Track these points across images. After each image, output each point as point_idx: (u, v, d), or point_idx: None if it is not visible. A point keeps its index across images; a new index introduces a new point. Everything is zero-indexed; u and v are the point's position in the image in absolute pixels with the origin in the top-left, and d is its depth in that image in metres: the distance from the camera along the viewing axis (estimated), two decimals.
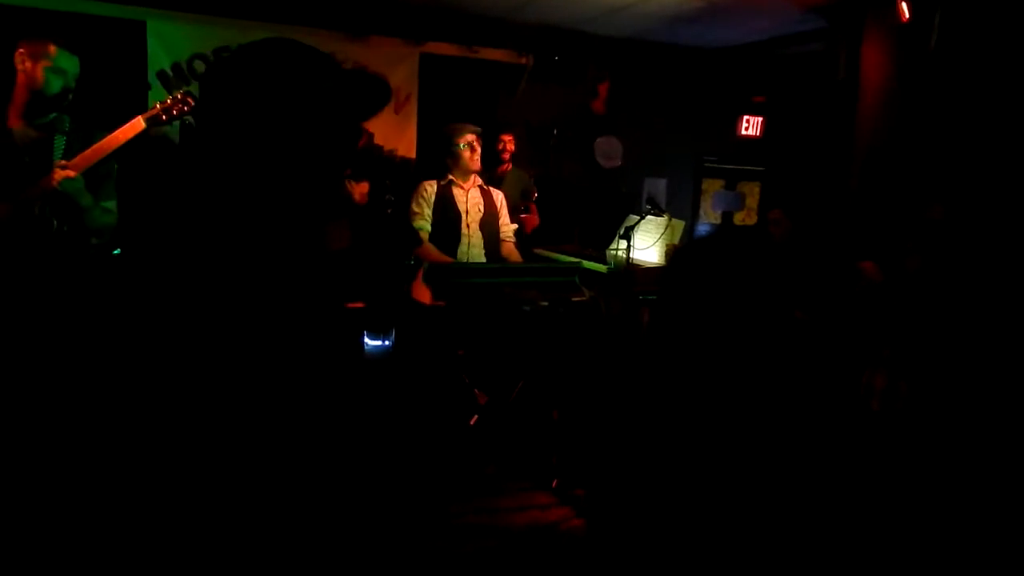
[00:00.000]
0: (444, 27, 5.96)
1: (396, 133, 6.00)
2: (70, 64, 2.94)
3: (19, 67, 2.89)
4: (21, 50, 2.89)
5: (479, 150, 3.95)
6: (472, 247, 3.83)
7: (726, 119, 7.31)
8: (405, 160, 6.02)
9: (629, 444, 2.01)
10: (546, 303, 3.38)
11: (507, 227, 4.11)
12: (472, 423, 3.43)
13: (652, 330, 3.36)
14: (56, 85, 2.90)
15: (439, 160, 4.14)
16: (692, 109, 7.06)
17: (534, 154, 5.96)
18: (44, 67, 2.87)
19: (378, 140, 5.91)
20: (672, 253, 3.85)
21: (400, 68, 5.98)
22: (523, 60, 6.24)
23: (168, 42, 5.42)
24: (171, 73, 5.48)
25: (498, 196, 4.15)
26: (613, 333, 3.38)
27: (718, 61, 6.98)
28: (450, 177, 4.02)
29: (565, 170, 6.35)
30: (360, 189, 4.77)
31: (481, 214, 3.93)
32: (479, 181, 4.12)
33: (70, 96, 2.97)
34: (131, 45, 5.24)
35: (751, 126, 7.36)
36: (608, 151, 6.64)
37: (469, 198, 3.96)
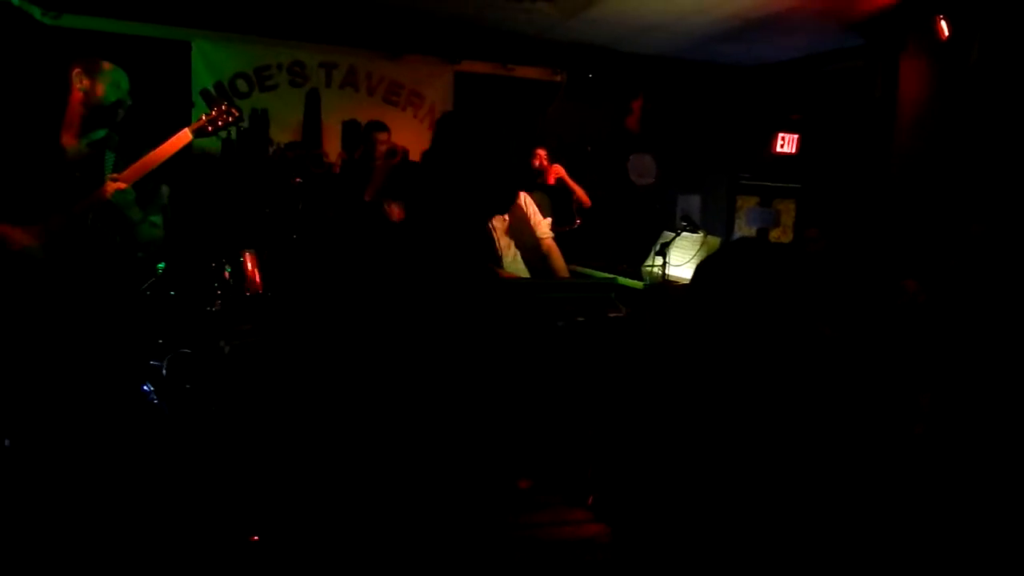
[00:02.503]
0: (479, 46, 6.05)
1: None
2: (123, 80, 3.03)
3: (76, 84, 2.97)
4: (77, 69, 2.98)
5: None
6: (512, 262, 3.80)
7: (761, 136, 7.27)
8: None
9: (647, 452, 2.02)
10: (582, 318, 3.39)
11: (540, 225, 3.98)
12: (508, 437, 3.44)
13: (674, 337, 3.35)
14: (111, 99, 2.98)
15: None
16: (726, 126, 7.04)
17: (568, 171, 5.99)
18: (101, 83, 2.96)
19: (413, 157, 5.99)
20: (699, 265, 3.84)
21: (435, 85, 6.08)
22: (557, 78, 6.30)
23: (212, 62, 5.58)
24: (214, 91, 5.63)
25: (522, 198, 4.04)
26: (648, 350, 3.37)
27: (753, 78, 6.98)
28: None
29: (599, 187, 6.38)
30: (398, 208, 4.84)
31: (506, 224, 3.88)
32: None
33: (121, 112, 3.06)
34: (176, 65, 5.41)
35: (786, 143, 7.31)
36: (641, 168, 6.65)
37: (496, 223, 3.90)
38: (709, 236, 3.99)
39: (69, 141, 3.00)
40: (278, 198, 5.13)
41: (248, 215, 5.08)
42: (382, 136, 5.11)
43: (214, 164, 5.40)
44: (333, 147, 5.93)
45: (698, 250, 3.92)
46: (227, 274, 4.50)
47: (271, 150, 5.74)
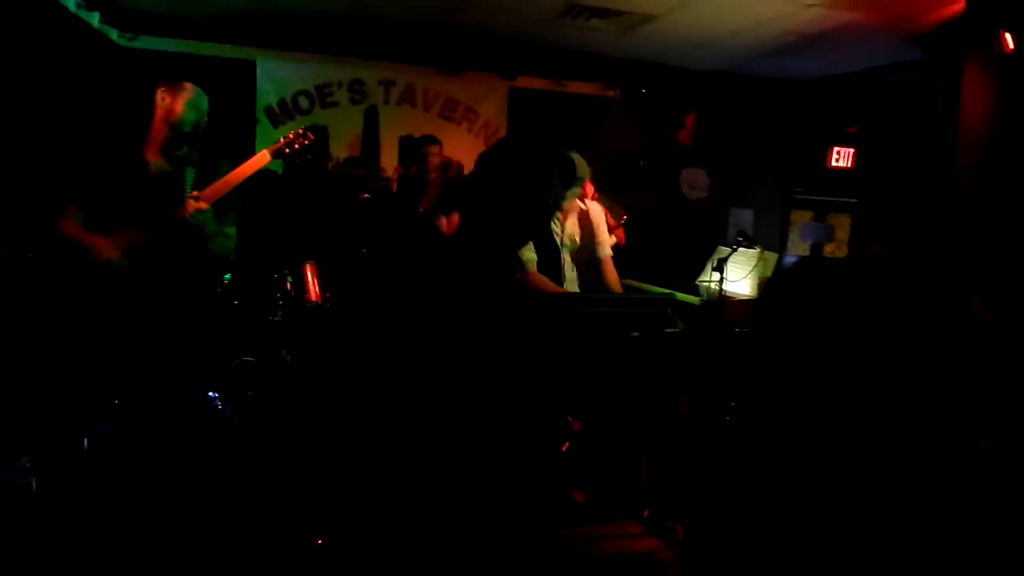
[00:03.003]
0: (534, 62, 6.13)
1: None
2: (202, 101, 3.18)
3: (159, 104, 3.13)
4: (161, 90, 3.13)
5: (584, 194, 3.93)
6: (567, 281, 3.85)
7: (816, 150, 7.20)
8: None
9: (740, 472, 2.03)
10: (638, 333, 3.41)
11: (604, 245, 4.03)
12: (564, 449, 3.47)
13: (749, 360, 3.35)
14: (191, 119, 3.13)
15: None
16: (780, 140, 7.00)
17: (619, 185, 6.02)
18: (183, 102, 3.11)
19: (467, 172, 6.10)
20: (764, 285, 3.83)
21: (490, 101, 6.18)
22: (610, 93, 6.35)
23: (275, 80, 5.78)
24: (277, 109, 5.82)
25: (594, 213, 4.08)
26: (705, 365, 3.38)
27: (807, 92, 6.92)
28: None
29: (650, 201, 6.40)
30: (450, 221, 4.94)
31: (577, 244, 3.93)
32: (580, 206, 4.04)
33: (200, 130, 3.20)
34: (242, 83, 5.61)
35: (842, 157, 7.22)
36: (694, 182, 6.64)
37: (567, 228, 3.94)
38: (766, 252, 3.98)
39: (153, 158, 3.15)
40: (344, 212, 5.27)
41: (309, 228, 5.22)
42: (433, 149, 5.22)
43: (275, 177, 5.57)
44: (390, 162, 6.06)
45: (755, 266, 3.91)
46: (288, 285, 4.64)
47: (330, 165, 5.91)
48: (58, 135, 4.23)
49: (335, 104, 5.96)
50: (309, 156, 3.46)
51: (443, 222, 4.91)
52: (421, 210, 5.07)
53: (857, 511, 3.25)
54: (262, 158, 3.20)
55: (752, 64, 6.28)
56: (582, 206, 4.03)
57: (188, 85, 3.13)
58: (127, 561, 2.68)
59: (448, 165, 5.59)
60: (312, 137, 3.33)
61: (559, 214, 3.91)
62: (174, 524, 2.89)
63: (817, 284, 4.37)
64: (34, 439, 3.14)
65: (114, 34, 5.12)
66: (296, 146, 3.30)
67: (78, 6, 4.44)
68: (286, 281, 4.62)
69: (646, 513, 3.26)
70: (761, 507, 3.26)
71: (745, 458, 3.39)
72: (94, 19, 4.74)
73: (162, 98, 3.12)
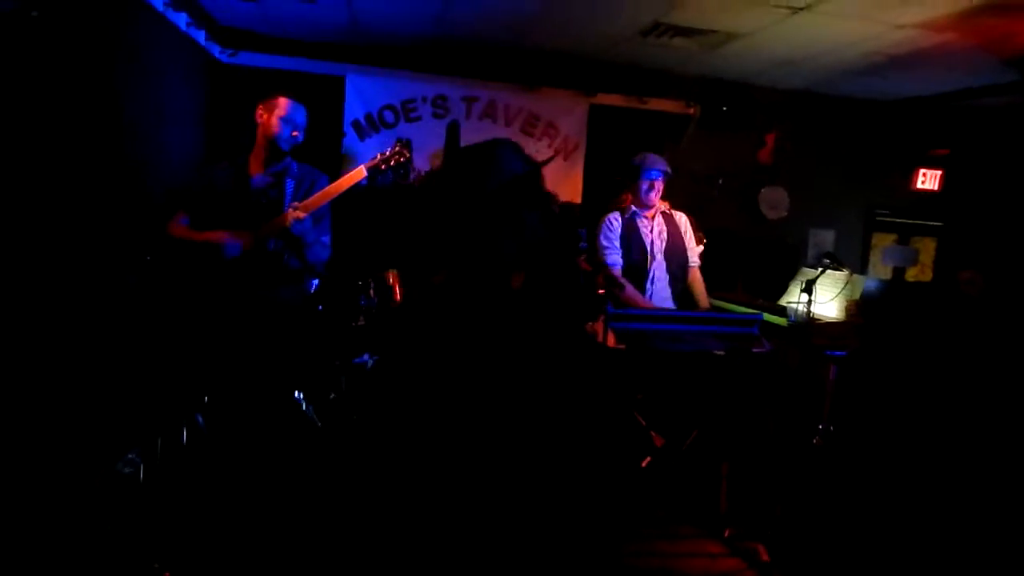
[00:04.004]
0: (615, 79, 6.18)
1: (563, 179, 6.24)
2: (297, 113, 3.32)
3: (259, 121, 3.31)
4: (260, 106, 3.31)
5: (658, 187, 3.97)
6: (657, 280, 3.89)
7: (901, 172, 7.05)
8: (570, 205, 6.24)
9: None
10: (723, 352, 3.41)
11: (693, 251, 4.09)
12: (644, 465, 3.49)
13: (845, 384, 3.30)
14: (286, 134, 3.28)
15: (619, 191, 4.17)
16: (864, 161, 6.87)
17: (698, 202, 6.00)
18: (277, 118, 3.27)
19: (547, 184, 6.17)
20: (852, 308, 3.78)
21: (570, 117, 6.24)
22: (690, 110, 6.33)
23: (363, 94, 5.97)
24: (364, 123, 6.01)
25: (682, 219, 4.10)
26: (794, 387, 3.36)
27: (893, 112, 6.78)
28: (633, 208, 4.03)
29: (729, 219, 6.35)
30: None
31: (665, 243, 3.98)
32: (662, 207, 4.10)
33: (297, 144, 3.35)
34: (331, 97, 5.81)
35: (928, 179, 7.05)
36: (773, 201, 6.57)
37: (654, 227, 4.00)
38: (854, 274, 3.92)
39: (256, 170, 3.32)
40: (432, 223, 5.39)
41: (394, 237, 5.38)
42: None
43: (359, 188, 5.75)
44: None
45: (843, 288, 3.86)
46: (372, 291, 4.78)
47: (412, 177, 6.06)
48: (168, 145, 4.49)
49: (418, 119, 6.11)
50: (402, 172, 3.58)
51: None
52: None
53: (953, 539, 3.17)
54: (359, 173, 3.33)
55: (836, 83, 6.19)
56: (661, 207, 4.09)
57: (281, 101, 3.28)
58: (218, 546, 2.81)
59: None
60: (408, 155, 3.45)
61: (645, 213, 3.96)
62: (255, 516, 3.02)
63: (902, 309, 4.27)
64: (141, 431, 3.33)
65: (216, 51, 5.39)
66: (392, 162, 3.42)
67: (188, 24, 4.70)
68: (370, 288, 4.77)
69: (727, 533, 3.25)
70: (850, 532, 3.21)
71: (837, 482, 3.34)
72: (200, 37, 5.00)
73: (260, 115, 3.29)
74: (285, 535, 2.98)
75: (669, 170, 3.99)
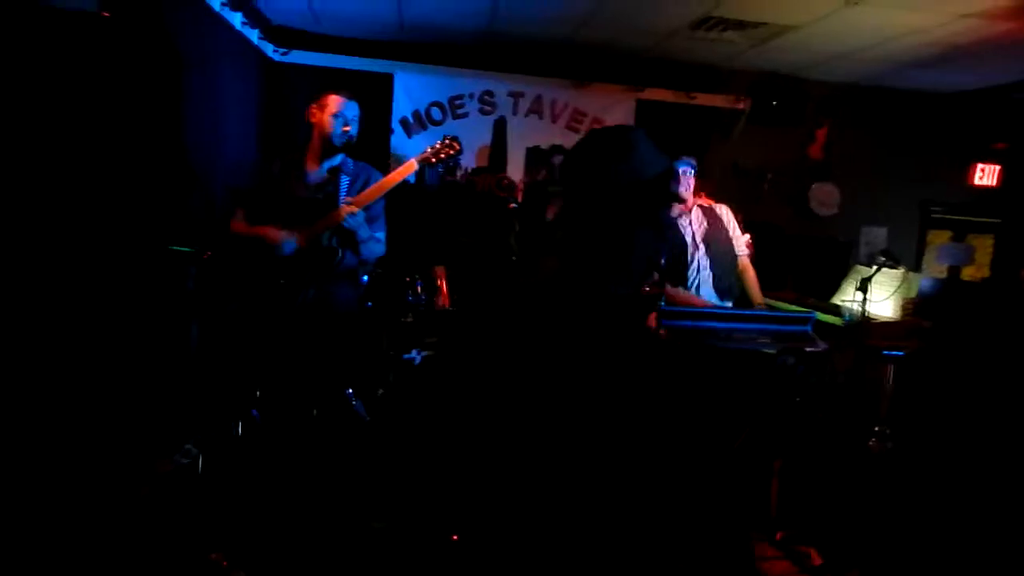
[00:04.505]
0: (663, 74, 6.13)
1: None
2: (348, 109, 3.36)
3: (312, 119, 3.35)
4: (313, 105, 3.36)
5: (687, 181, 3.92)
6: (702, 270, 3.85)
7: (956, 167, 6.86)
8: None
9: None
10: (772, 351, 3.36)
11: (738, 240, 4.01)
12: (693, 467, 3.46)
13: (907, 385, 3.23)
14: (338, 131, 3.32)
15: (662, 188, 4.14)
16: (918, 156, 6.70)
17: (747, 198, 5.92)
18: (328, 116, 3.32)
19: None
20: (909, 307, 3.70)
21: (617, 112, 6.21)
22: (739, 105, 6.24)
23: (411, 91, 6.02)
24: (411, 120, 6.06)
25: (723, 211, 4.05)
26: (848, 387, 3.30)
27: (949, 106, 6.59)
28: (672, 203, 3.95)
29: (778, 216, 6.26)
30: None
31: (705, 233, 3.92)
32: (699, 200, 4.07)
33: (352, 139, 3.39)
34: (380, 94, 5.88)
35: (986, 175, 6.85)
36: (824, 198, 6.45)
37: (692, 220, 3.96)
38: (911, 272, 3.83)
39: (311, 166, 3.38)
40: (484, 220, 5.44)
41: (441, 233, 5.42)
42: (558, 157, 5.30)
43: (409, 185, 5.81)
44: (516, 172, 6.20)
45: (899, 286, 3.77)
46: (419, 288, 4.83)
47: (459, 174, 6.10)
48: (225, 142, 4.58)
49: (465, 115, 6.14)
50: (451, 164, 3.60)
51: None
52: (549, 218, 5.17)
53: (1016, 548, 3.08)
54: (410, 166, 3.37)
55: (892, 76, 6.05)
56: (701, 202, 4.04)
57: (332, 98, 3.31)
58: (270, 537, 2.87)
59: None
60: (458, 147, 3.47)
61: (680, 209, 3.91)
62: (306, 507, 3.07)
63: (959, 308, 4.17)
64: (198, 424, 3.42)
65: (269, 49, 5.48)
66: (443, 155, 3.45)
67: (243, 24, 4.79)
68: (417, 285, 4.82)
69: (779, 535, 3.20)
70: (905, 537, 3.15)
71: (893, 486, 3.27)
72: (254, 36, 5.10)
73: (313, 112, 3.34)
74: (333, 526, 3.03)
75: (695, 163, 3.96)
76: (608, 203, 1.42)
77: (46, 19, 2.39)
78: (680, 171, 3.88)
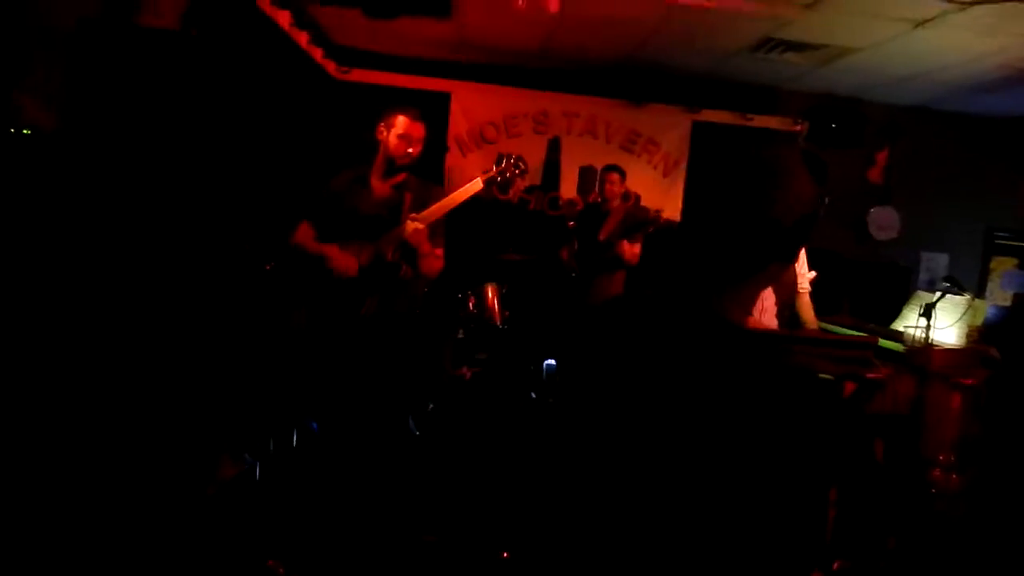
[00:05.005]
0: (719, 95, 6.11)
1: (663, 195, 6.19)
2: (414, 129, 3.41)
3: (379, 137, 3.41)
4: (381, 123, 3.41)
5: None
6: (766, 311, 3.79)
7: (1022, 192, 6.66)
8: (669, 222, 6.18)
9: None
10: (830, 376, 3.30)
11: (803, 277, 3.93)
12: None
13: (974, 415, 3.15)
14: (402, 150, 3.38)
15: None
16: (982, 180, 6.53)
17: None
18: (395, 135, 3.37)
19: (645, 202, 6.14)
20: (975, 335, 3.60)
21: (672, 134, 6.20)
22: (797, 127, 6.18)
23: (467, 110, 6.11)
24: (467, 138, 6.15)
25: None
26: (910, 415, 3.22)
27: (1015, 129, 6.42)
28: None
29: (836, 240, 6.15)
30: (632, 250, 5.00)
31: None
32: None
33: (415, 158, 3.44)
34: (437, 113, 5.97)
35: None
36: (883, 222, 6.32)
37: None
38: (976, 299, 3.74)
39: (377, 183, 3.44)
40: (538, 237, 5.47)
41: (493, 251, 5.46)
42: (613, 177, 5.29)
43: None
44: (569, 191, 6.23)
45: (964, 313, 3.68)
46: (471, 305, 4.86)
47: (511, 192, 6.15)
48: (287, 157, 4.72)
49: (519, 135, 6.21)
50: (509, 184, 3.62)
51: (625, 248, 4.98)
52: (602, 238, 5.17)
53: None
54: (476, 185, 3.40)
55: (954, 99, 5.92)
56: None
57: (399, 119, 3.34)
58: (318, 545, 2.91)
59: (627, 194, 5.66)
60: (524, 167, 3.50)
61: None
62: (359, 517, 3.11)
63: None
64: (254, 434, 3.49)
65: (332, 67, 5.64)
66: (508, 174, 3.47)
67: (308, 43, 4.94)
68: (468, 301, 4.86)
69: (836, 565, 3.13)
70: (968, 567, 3.05)
71: (955, 517, 3.18)
72: (318, 54, 5.25)
73: (380, 131, 3.38)
74: (384, 537, 3.06)
75: None
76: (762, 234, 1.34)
77: (139, 37, 2.51)
78: None
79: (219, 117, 2.79)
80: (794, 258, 1.39)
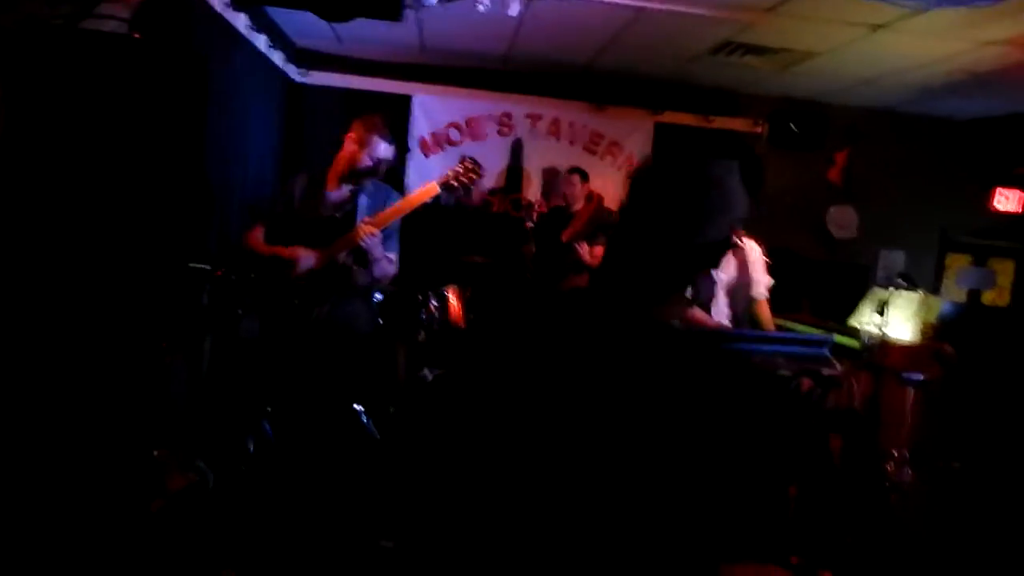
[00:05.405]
0: (682, 97, 6.16)
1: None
2: (388, 153, 3.38)
3: (347, 144, 3.34)
4: (353, 133, 3.34)
5: None
6: (719, 305, 3.80)
7: (976, 192, 6.80)
8: None
9: None
10: (788, 373, 3.33)
11: (759, 284, 3.94)
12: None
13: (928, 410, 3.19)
14: (367, 169, 3.34)
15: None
16: (939, 180, 6.66)
17: (765, 223, 5.90)
18: (366, 153, 3.31)
19: (608, 204, 6.15)
20: (929, 331, 3.66)
21: (635, 135, 6.24)
22: (758, 129, 6.26)
23: (429, 113, 6.09)
24: (429, 140, 6.12)
25: (752, 251, 4.01)
26: (866, 411, 3.26)
27: (969, 131, 6.56)
28: None
29: (796, 239, 6.23)
30: (593, 252, 5.00)
31: (732, 278, 3.87)
32: (736, 241, 4.03)
33: (380, 174, 3.41)
34: (398, 115, 5.94)
35: (1007, 200, 6.78)
36: (842, 221, 6.42)
37: (724, 264, 3.90)
38: (930, 296, 3.80)
39: (332, 186, 3.40)
40: (501, 239, 5.45)
41: (456, 253, 5.44)
42: (575, 179, 5.31)
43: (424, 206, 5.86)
44: (533, 193, 6.23)
45: (918, 310, 3.74)
46: (433, 307, 4.83)
47: (474, 194, 6.13)
48: (246, 161, 4.65)
49: (482, 137, 6.20)
50: (470, 189, 3.60)
51: (585, 250, 4.99)
52: (564, 239, 5.18)
53: None
54: (431, 189, 3.38)
55: (911, 102, 6.03)
56: (736, 241, 3.97)
57: (376, 138, 3.32)
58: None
59: (590, 196, 5.67)
60: (480, 173, 3.48)
61: None
62: (318, 524, 3.07)
63: (981, 333, 4.11)
64: (210, 440, 3.43)
65: (292, 71, 5.58)
66: (464, 179, 3.46)
67: (268, 46, 4.88)
68: (430, 303, 4.83)
69: (794, 560, 3.16)
70: (925, 564, 3.09)
71: (912, 512, 3.23)
72: (278, 58, 5.19)
73: (351, 140, 3.33)
74: (342, 543, 3.02)
75: None
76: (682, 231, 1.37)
77: (81, 41, 2.45)
78: None
79: (168, 122, 2.74)
80: (718, 264, 1.42)
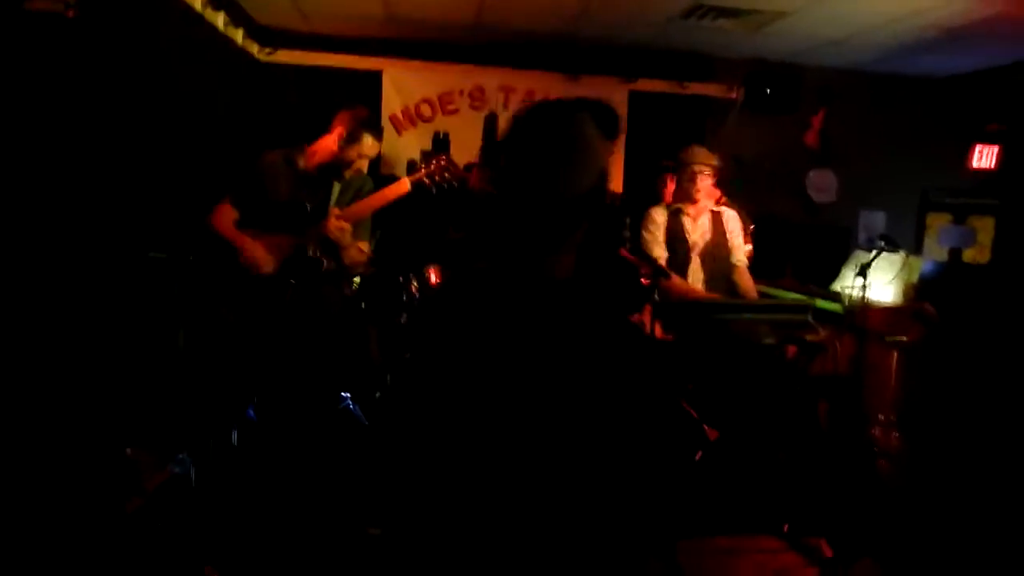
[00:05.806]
0: (656, 64, 6.05)
1: None
2: (371, 151, 3.28)
3: (336, 137, 3.22)
4: (342, 128, 3.21)
5: (703, 184, 3.79)
6: (694, 272, 3.75)
7: (955, 150, 6.78)
8: (612, 195, 6.14)
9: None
10: (773, 340, 3.30)
11: (737, 251, 3.89)
12: (697, 458, 3.39)
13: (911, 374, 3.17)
14: (348, 166, 3.26)
15: (663, 176, 4.12)
16: (916, 140, 6.62)
17: (744, 189, 5.85)
18: (357, 153, 3.21)
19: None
20: (911, 292, 3.63)
21: (610, 105, 6.13)
22: (733, 94, 6.17)
23: (400, 88, 5.95)
24: (401, 116, 5.99)
25: (730, 218, 3.91)
26: (852, 375, 3.23)
27: (946, 89, 6.52)
28: (678, 205, 3.86)
29: (776, 205, 6.18)
30: None
31: (706, 243, 3.82)
32: (711, 205, 3.91)
33: (361, 171, 3.31)
34: (369, 92, 5.80)
35: (985, 156, 6.77)
36: (821, 184, 6.38)
37: (697, 227, 3.86)
38: (911, 256, 3.77)
39: (305, 166, 3.28)
40: (482, 215, 5.35)
41: (435, 231, 5.35)
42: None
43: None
44: None
45: (899, 271, 3.71)
46: (414, 287, 4.74)
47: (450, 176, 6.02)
48: (207, 145, 4.51)
49: (456, 111, 6.08)
50: (446, 187, 3.51)
51: None
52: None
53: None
54: (402, 186, 3.30)
55: (886, 61, 5.97)
56: (712, 207, 3.92)
57: (368, 140, 3.22)
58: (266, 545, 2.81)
59: None
60: (455, 172, 3.39)
61: (689, 210, 3.80)
62: (304, 516, 3.01)
63: (963, 291, 4.10)
64: (191, 433, 3.35)
65: (255, 49, 5.41)
66: (437, 178, 3.36)
67: (226, 24, 4.72)
68: (411, 284, 4.74)
69: (786, 527, 3.14)
70: (917, 526, 3.08)
71: (903, 475, 3.22)
72: (238, 36, 5.02)
73: (340, 135, 3.20)
74: (328, 533, 2.97)
75: (718, 164, 3.80)
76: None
77: (18, 21, 2.32)
78: (695, 170, 3.73)
79: (120, 105, 2.61)
80: (596, 217, 1.45)
